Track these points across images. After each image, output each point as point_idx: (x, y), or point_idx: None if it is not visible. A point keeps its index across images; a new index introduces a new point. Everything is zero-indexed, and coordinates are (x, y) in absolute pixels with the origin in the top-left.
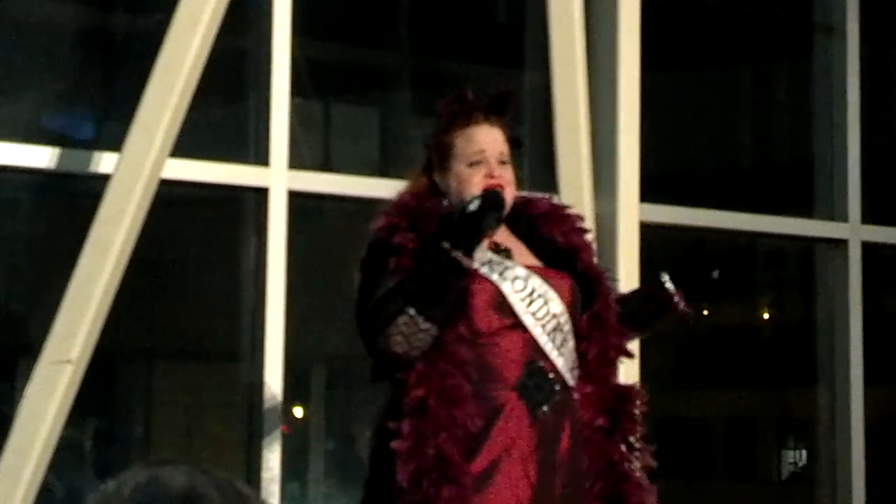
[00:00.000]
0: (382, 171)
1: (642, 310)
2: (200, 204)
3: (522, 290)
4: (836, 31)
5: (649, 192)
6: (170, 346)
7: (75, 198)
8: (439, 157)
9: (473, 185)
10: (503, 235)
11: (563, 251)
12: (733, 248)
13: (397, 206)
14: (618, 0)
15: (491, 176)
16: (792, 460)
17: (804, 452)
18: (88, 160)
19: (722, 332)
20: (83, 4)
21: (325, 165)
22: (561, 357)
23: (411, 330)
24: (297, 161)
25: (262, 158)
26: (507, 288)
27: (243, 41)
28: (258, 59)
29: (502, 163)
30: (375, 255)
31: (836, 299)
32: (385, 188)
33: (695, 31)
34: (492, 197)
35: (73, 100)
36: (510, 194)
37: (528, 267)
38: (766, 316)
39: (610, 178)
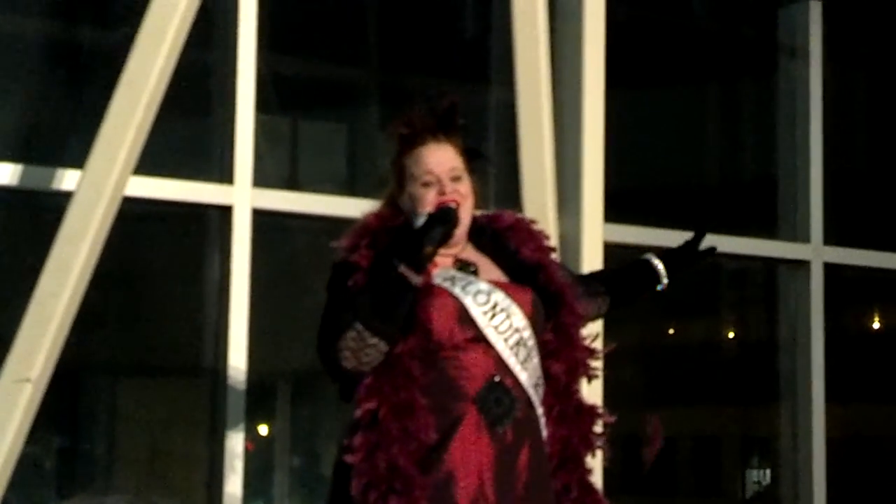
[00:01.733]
0: (350, 188)
1: (632, 284)
2: (164, 221)
3: (485, 304)
4: (799, 52)
5: (613, 211)
6: (133, 363)
7: (37, 215)
8: (397, 179)
9: (426, 203)
10: (468, 251)
11: (527, 265)
12: (697, 267)
13: (360, 227)
14: (583, 18)
15: (442, 194)
16: (756, 479)
17: (768, 471)
18: (51, 177)
19: (687, 349)
20: (48, 18)
21: (292, 182)
22: (524, 372)
23: (359, 345)
24: (263, 178)
25: (226, 176)
26: (468, 301)
27: (208, 56)
28: (223, 75)
29: (455, 178)
30: (337, 276)
31: (799, 319)
32: (351, 206)
33: (659, 49)
34: (440, 213)
35: (37, 115)
36: (467, 207)
37: (492, 282)
38: (730, 335)
39: (574, 197)
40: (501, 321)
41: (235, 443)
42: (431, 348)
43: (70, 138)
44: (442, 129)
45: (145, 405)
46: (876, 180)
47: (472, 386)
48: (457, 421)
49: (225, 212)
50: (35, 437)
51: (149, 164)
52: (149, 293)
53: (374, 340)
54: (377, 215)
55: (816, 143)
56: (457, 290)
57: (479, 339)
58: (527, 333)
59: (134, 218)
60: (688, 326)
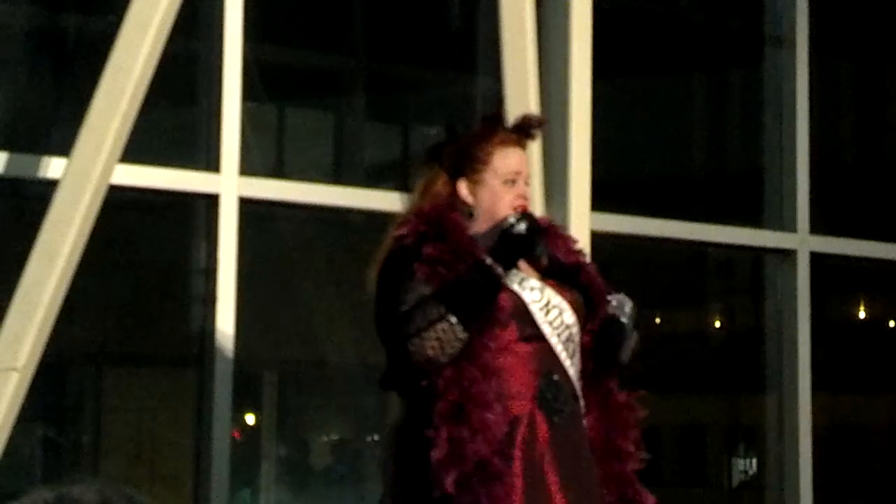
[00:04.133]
0: (337, 177)
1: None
2: (150, 210)
3: (540, 300)
4: (785, 42)
5: (601, 201)
6: (120, 352)
7: (23, 203)
8: (471, 167)
9: (506, 203)
10: None
11: (565, 267)
12: (684, 256)
13: (419, 215)
14: (570, 8)
15: (523, 198)
16: (742, 468)
17: (754, 460)
18: (37, 165)
19: (673, 339)
20: (33, 5)
21: (279, 171)
22: (573, 367)
23: (448, 337)
24: (249, 167)
25: (212, 164)
26: (527, 297)
27: (194, 44)
28: (209, 63)
29: (527, 184)
30: (400, 261)
31: (785, 308)
32: (338, 195)
33: (646, 39)
34: (534, 221)
35: (22, 103)
36: None
37: (539, 280)
38: (716, 324)
39: (561, 186)
40: (555, 317)
41: (222, 432)
42: (495, 343)
43: (56, 126)
44: (526, 135)
45: (132, 394)
46: (862, 169)
47: (531, 381)
48: (519, 418)
49: (211, 200)
50: (23, 426)
51: (135, 152)
52: (135, 282)
53: (464, 335)
54: (433, 204)
55: (803, 132)
56: (515, 287)
57: (537, 334)
58: (575, 330)
59: (120, 206)
60: (674, 315)
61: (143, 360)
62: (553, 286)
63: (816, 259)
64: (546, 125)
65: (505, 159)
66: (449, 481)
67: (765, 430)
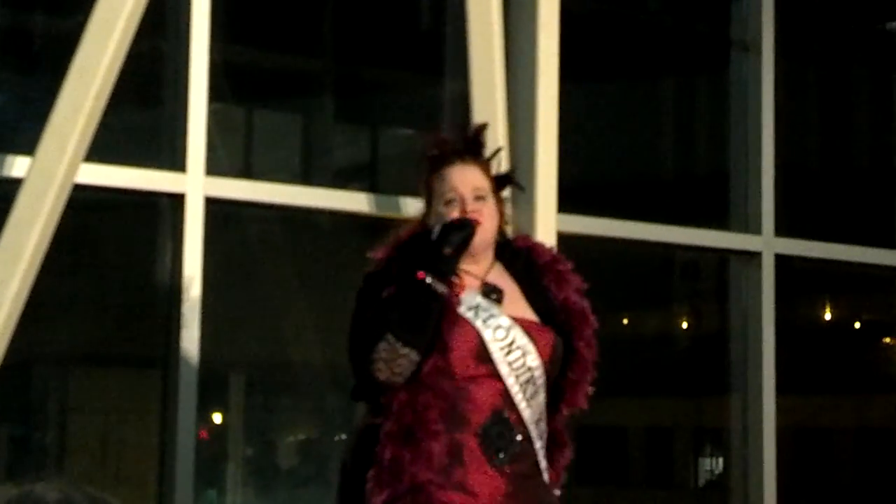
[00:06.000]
0: (304, 177)
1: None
2: (115, 209)
3: (503, 340)
4: (751, 47)
5: (567, 203)
6: (85, 352)
7: None
8: (426, 198)
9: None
10: (495, 274)
11: (557, 308)
12: (650, 258)
13: (392, 240)
14: (537, 11)
15: (463, 212)
16: (708, 468)
17: (720, 460)
18: (0, 164)
19: (639, 341)
20: None
21: (246, 172)
22: (528, 409)
23: (391, 356)
24: (216, 168)
25: (178, 164)
26: (488, 335)
27: (161, 44)
28: (176, 63)
29: (479, 198)
30: (368, 287)
31: (750, 310)
32: (305, 196)
33: (613, 43)
34: (457, 221)
35: None
36: (488, 227)
37: (514, 318)
38: (682, 326)
39: (528, 188)
40: (516, 358)
41: (187, 432)
42: (450, 373)
43: (20, 125)
44: (469, 151)
45: (97, 394)
46: (827, 172)
47: (477, 418)
48: (460, 450)
49: (177, 200)
50: None
51: (101, 151)
52: (100, 281)
53: (405, 351)
54: (408, 230)
55: (768, 135)
56: (478, 324)
57: (492, 374)
58: (538, 373)
59: (85, 206)
60: (640, 318)
61: (109, 361)
62: (528, 327)
63: (781, 261)
64: (488, 127)
65: (441, 182)
66: (378, 500)
67: (730, 431)
